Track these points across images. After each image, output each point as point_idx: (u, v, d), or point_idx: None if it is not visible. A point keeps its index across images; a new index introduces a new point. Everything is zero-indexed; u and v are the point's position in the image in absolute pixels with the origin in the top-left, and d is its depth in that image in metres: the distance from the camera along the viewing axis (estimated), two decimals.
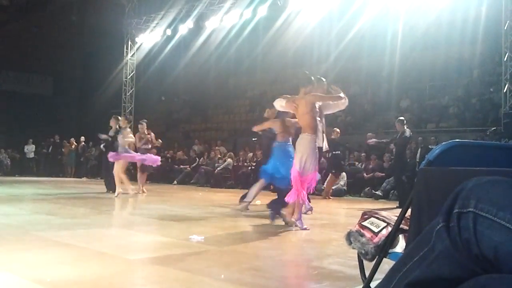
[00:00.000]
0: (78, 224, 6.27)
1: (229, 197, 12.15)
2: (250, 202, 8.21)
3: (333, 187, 12.77)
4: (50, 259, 3.90)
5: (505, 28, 12.70)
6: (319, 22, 18.29)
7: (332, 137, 11.95)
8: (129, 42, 22.11)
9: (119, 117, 11.67)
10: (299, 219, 5.96)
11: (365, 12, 16.79)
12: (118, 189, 10.81)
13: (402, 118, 10.60)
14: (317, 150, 6.07)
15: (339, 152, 12.04)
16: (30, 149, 21.74)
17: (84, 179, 19.69)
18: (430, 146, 12.14)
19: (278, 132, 7.33)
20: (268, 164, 7.54)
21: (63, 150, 21.25)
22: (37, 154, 21.99)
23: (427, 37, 18.86)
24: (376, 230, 2.49)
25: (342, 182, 13.04)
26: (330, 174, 12.33)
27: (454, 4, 16.10)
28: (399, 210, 2.35)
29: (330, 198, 12.00)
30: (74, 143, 21.11)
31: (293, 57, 21.66)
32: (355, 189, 13.55)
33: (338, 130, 12.14)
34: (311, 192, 6.51)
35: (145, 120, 12.42)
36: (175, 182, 17.51)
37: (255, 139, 17.02)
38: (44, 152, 21.94)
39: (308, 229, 5.88)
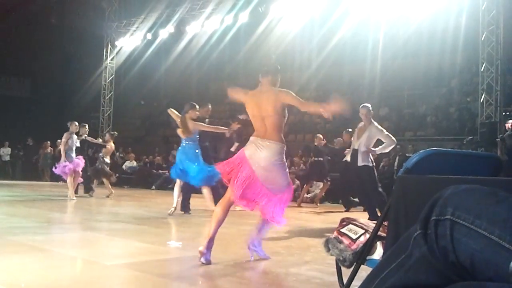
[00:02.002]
0: (53, 228, 6.18)
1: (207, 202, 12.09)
2: (176, 207, 8.27)
3: (308, 195, 12.80)
4: (25, 264, 3.84)
5: (482, 38, 12.91)
6: (301, 29, 18.39)
7: (315, 144, 12.00)
8: (109, 46, 21.95)
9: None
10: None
11: (346, 20, 16.92)
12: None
13: (350, 130, 11.20)
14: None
15: (321, 159, 12.00)
16: (5, 152, 21.40)
17: (60, 183, 19.43)
18: (407, 154, 12.26)
19: (179, 130, 7.96)
20: (176, 163, 8.09)
21: (39, 153, 20.94)
22: (13, 157, 21.67)
23: (408, 47, 19.08)
24: (354, 237, 2.50)
25: (317, 190, 12.97)
26: (311, 181, 12.38)
27: (435, 14, 16.32)
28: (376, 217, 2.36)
29: (317, 205, 12.09)
30: (49, 146, 20.83)
31: (275, 64, 21.73)
32: (333, 196, 13.60)
33: (321, 136, 12.15)
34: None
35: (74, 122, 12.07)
36: (154, 187, 17.39)
37: (237, 144, 16.99)
38: (20, 155, 21.63)
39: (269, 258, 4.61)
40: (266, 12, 16.90)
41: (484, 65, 12.90)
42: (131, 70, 23.74)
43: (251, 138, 4.29)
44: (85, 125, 12.27)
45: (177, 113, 8.27)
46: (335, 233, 2.63)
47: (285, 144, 4.31)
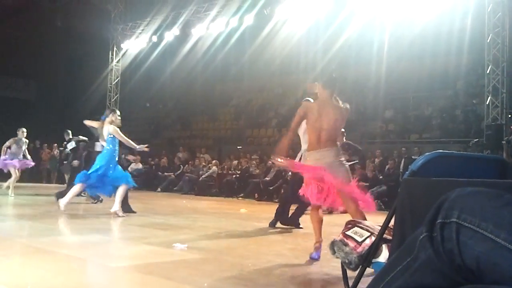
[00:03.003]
0: (59, 230, 6.20)
1: (213, 205, 12.12)
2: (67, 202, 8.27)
3: None
4: (31, 266, 3.85)
5: (488, 40, 12.87)
6: (306, 32, 18.38)
7: None
8: (115, 48, 22.00)
9: None
10: None
11: (352, 22, 16.90)
12: None
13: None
14: None
15: None
16: None
17: (66, 185, 19.48)
18: (413, 157, 12.22)
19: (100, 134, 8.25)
20: (94, 168, 8.18)
21: (41, 155, 20.94)
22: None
23: (413, 49, 19.03)
24: (359, 239, 2.50)
25: None
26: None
27: (440, 16, 16.27)
28: (382, 220, 2.36)
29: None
30: (57, 149, 20.89)
31: (280, 66, 21.73)
32: None
33: None
34: None
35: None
36: (159, 189, 17.41)
37: (240, 147, 17.05)
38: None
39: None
40: (271, 14, 16.90)
41: (490, 67, 12.85)
42: (137, 73, 23.78)
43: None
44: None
45: (93, 122, 8.78)
46: (341, 236, 2.63)
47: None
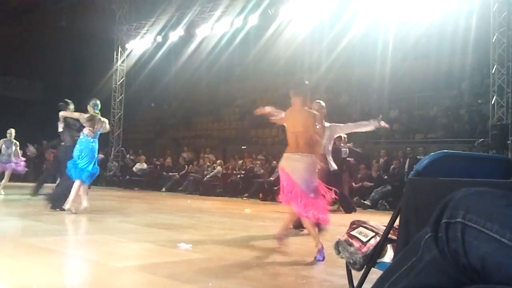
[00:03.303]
0: (64, 230, 6.22)
1: (218, 205, 12.13)
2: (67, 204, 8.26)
3: None
4: (36, 265, 3.86)
5: (493, 40, 12.82)
6: (311, 32, 18.37)
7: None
8: (119, 49, 22.04)
9: None
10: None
11: (356, 22, 16.88)
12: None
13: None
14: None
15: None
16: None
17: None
18: (418, 157, 12.19)
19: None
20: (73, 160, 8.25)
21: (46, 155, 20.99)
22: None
23: (418, 48, 18.99)
24: (364, 239, 2.50)
25: None
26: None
27: (445, 16, 16.24)
28: (387, 220, 2.35)
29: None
30: None
31: (284, 66, 21.73)
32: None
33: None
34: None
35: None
36: (164, 189, 17.43)
37: (245, 147, 17.05)
38: (32, 157, 21.74)
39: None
40: (275, 14, 16.90)
41: (495, 67, 12.80)
42: (142, 73, 23.82)
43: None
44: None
45: (73, 113, 9.42)
46: (346, 236, 2.63)
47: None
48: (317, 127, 5.10)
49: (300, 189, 4.84)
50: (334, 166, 7.46)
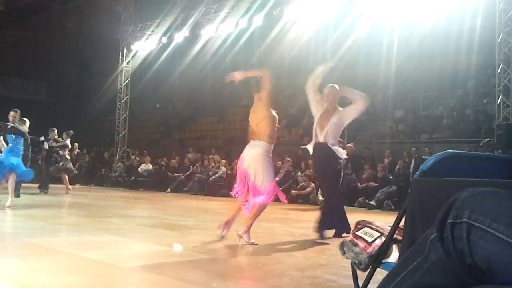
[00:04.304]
0: (70, 231, 6.24)
1: (223, 205, 12.13)
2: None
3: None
4: (42, 266, 3.88)
5: (499, 40, 12.77)
6: (315, 32, 18.35)
7: None
8: (125, 50, 22.09)
9: None
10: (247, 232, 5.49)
11: (361, 22, 16.86)
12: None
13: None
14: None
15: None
16: None
17: (77, 185, 19.61)
18: (423, 157, 12.16)
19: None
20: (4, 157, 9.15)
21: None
22: (30, 160, 21.81)
23: (423, 48, 18.95)
24: (369, 240, 2.49)
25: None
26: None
27: (450, 15, 16.19)
28: (392, 220, 2.35)
29: None
30: (77, 149, 21.04)
31: (289, 66, 21.72)
32: (348, 199, 13.54)
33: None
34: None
35: None
36: (169, 190, 17.46)
37: None
38: (37, 158, 21.81)
39: (256, 244, 5.40)
40: (280, 15, 16.90)
41: (500, 66, 12.75)
42: (147, 74, 23.88)
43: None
44: (54, 129, 13.56)
45: None
46: (351, 236, 2.62)
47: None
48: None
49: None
50: (342, 154, 6.67)
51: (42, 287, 3.15)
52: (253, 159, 5.67)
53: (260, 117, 5.64)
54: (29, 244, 4.88)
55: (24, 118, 11.18)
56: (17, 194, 11.27)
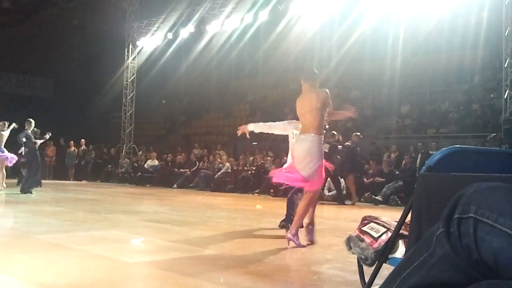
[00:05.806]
0: (77, 226, 6.27)
1: (228, 201, 12.16)
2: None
3: (329, 193, 12.75)
4: (49, 262, 3.90)
5: (506, 34, 12.70)
6: (321, 27, 18.31)
7: (329, 140, 11.94)
8: (130, 46, 22.11)
9: None
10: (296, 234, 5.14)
11: (366, 17, 16.81)
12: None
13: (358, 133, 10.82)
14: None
15: (338, 156, 11.98)
16: None
17: (84, 182, 19.69)
18: (430, 152, 12.12)
19: None
20: None
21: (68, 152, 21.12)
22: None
23: (429, 43, 18.88)
24: (376, 235, 2.49)
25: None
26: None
27: (456, 9, 16.11)
28: (398, 215, 2.35)
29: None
30: (73, 146, 21.09)
31: (295, 62, 21.69)
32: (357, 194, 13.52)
33: (334, 133, 12.03)
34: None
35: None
36: (175, 186, 17.50)
37: (255, 143, 17.05)
38: (44, 154, 21.90)
39: (305, 246, 5.17)
40: (286, 10, 16.86)
41: (507, 60, 12.68)
42: (152, 70, 23.90)
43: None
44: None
45: None
46: (357, 232, 2.62)
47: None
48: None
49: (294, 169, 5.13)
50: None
51: (49, 283, 3.17)
52: (303, 154, 5.18)
53: (306, 108, 4.99)
54: (37, 240, 4.90)
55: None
56: (29, 191, 11.38)
